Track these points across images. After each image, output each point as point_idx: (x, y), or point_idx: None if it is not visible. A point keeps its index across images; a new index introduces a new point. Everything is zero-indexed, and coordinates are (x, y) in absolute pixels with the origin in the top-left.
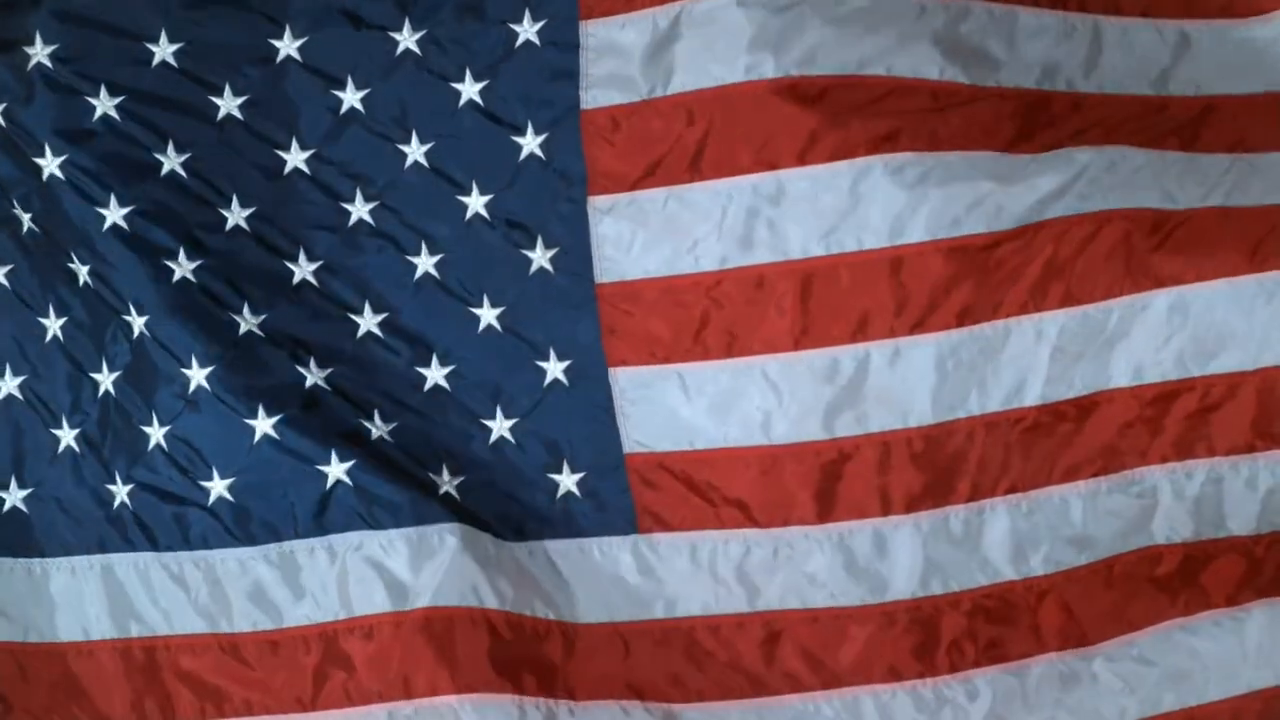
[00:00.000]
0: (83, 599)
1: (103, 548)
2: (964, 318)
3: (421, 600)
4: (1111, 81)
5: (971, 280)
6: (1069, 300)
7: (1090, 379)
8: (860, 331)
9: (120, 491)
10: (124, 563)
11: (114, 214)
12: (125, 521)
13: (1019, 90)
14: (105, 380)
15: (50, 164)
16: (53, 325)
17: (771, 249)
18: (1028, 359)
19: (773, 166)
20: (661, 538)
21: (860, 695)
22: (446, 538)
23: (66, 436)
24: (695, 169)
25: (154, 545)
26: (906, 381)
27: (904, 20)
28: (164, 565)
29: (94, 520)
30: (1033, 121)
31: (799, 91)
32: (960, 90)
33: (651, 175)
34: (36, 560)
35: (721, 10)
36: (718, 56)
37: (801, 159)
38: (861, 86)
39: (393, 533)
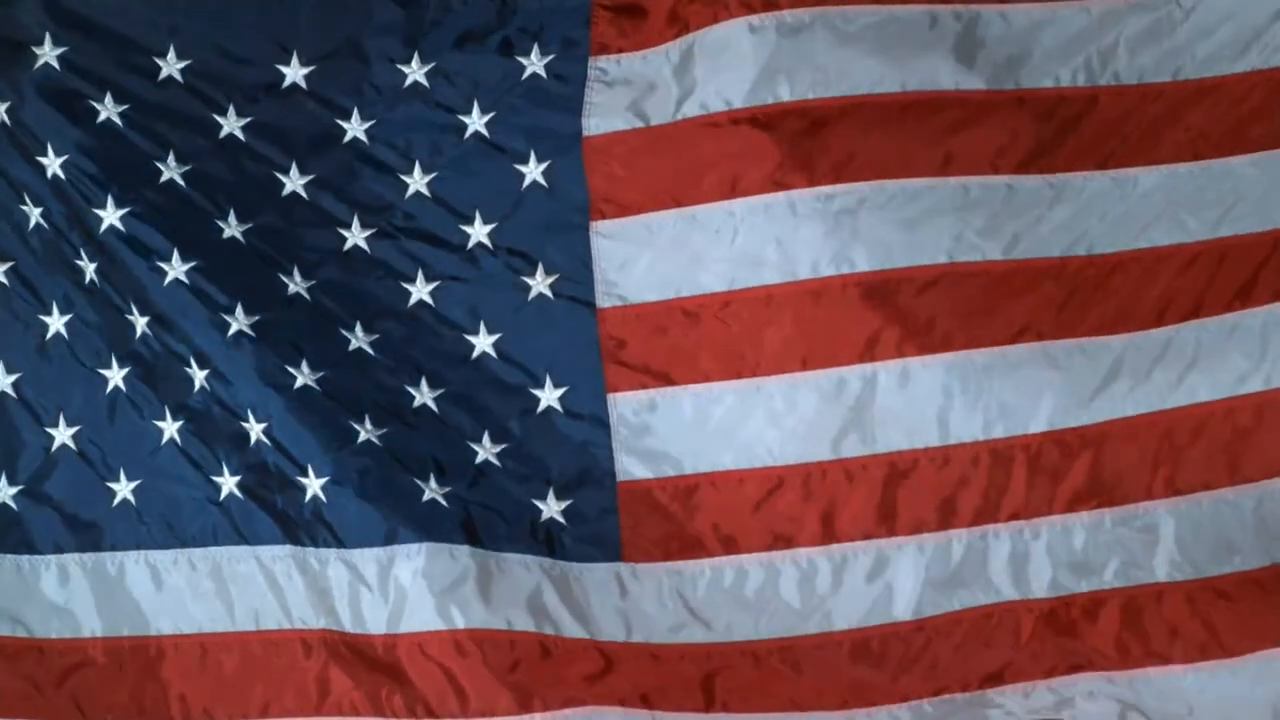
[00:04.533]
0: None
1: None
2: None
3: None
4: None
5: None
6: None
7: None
8: (868, 352)
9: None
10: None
11: (110, 215)
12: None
13: (1038, 92)
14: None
15: (52, 163)
16: (55, 323)
17: (780, 270)
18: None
19: (784, 187)
20: (646, 567)
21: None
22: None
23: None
24: (702, 190)
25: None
26: (914, 403)
27: (917, 32)
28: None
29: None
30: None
31: (811, 114)
32: (974, 99)
33: (655, 198)
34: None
35: (733, 36)
36: (729, 82)
37: (812, 180)
38: (876, 106)
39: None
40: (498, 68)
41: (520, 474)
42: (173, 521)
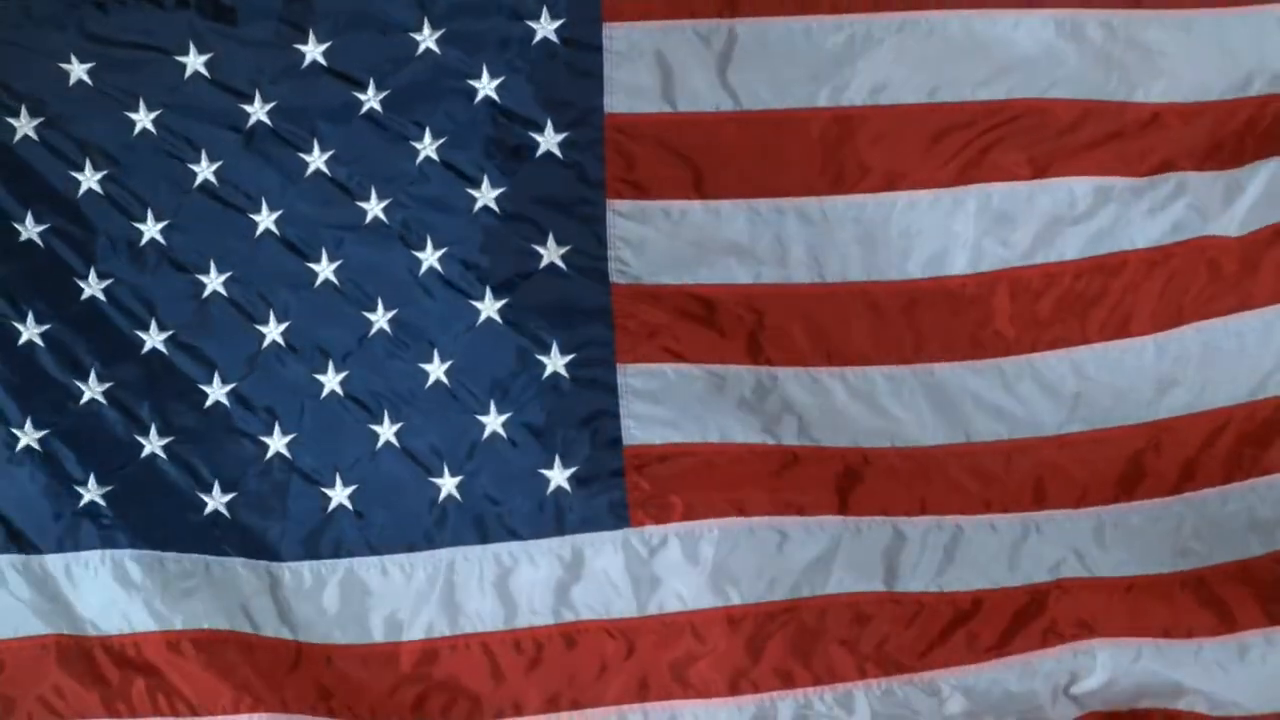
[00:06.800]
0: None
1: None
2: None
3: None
4: None
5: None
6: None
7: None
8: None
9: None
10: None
11: (150, 229)
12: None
13: None
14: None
15: (89, 179)
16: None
17: (809, 269)
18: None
19: (814, 191)
20: (654, 530)
21: (854, 690)
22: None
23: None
24: (732, 184)
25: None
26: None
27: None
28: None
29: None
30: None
31: (851, 120)
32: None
33: (679, 186)
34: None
35: (776, 35)
36: (768, 80)
37: (844, 187)
38: (914, 113)
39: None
40: (507, 31)
41: (527, 443)
42: None
